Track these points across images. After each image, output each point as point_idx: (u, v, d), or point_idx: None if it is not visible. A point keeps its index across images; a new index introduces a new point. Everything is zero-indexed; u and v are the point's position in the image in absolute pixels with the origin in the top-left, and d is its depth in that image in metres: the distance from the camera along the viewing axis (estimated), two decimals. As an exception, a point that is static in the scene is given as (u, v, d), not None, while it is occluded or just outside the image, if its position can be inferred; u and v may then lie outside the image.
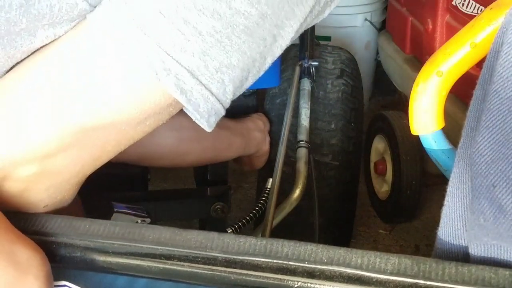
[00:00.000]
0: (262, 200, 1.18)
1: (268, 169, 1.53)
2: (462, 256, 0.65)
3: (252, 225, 1.23)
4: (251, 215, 1.18)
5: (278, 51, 0.62)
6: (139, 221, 1.08)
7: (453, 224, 0.65)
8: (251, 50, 0.59)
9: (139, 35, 0.55)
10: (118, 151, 0.64)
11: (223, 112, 0.62)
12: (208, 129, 0.62)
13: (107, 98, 0.57)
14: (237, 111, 1.60)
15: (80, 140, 0.59)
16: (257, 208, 1.18)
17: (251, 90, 1.58)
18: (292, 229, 1.51)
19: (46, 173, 0.61)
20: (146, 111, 0.59)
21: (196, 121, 0.61)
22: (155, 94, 0.57)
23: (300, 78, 1.53)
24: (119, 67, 0.56)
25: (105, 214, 1.04)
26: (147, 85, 0.57)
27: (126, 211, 1.08)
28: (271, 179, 1.17)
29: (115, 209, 1.07)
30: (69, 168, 0.62)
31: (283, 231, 1.37)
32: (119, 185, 1.42)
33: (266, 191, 1.18)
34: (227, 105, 0.62)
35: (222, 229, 1.33)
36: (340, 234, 1.67)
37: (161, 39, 0.55)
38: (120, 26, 0.55)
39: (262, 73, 0.63)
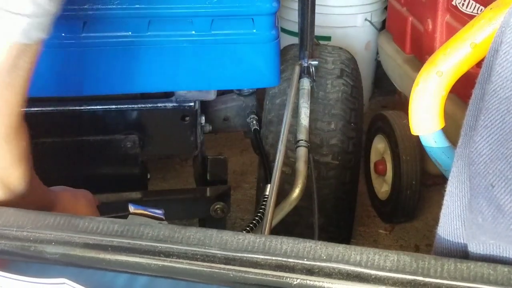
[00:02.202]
0: (262, 208, 1.18)
1: (268, 171, 1.52)
2: (461, 255, 0.65)
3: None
4: (253, 221, 1.17)
5: None
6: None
7: (452, 223, 0.65)
8: None
9: None
10: (22, 94, 0.72)
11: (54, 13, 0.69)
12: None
13: None
14: (236, 111, 1.60)
15: None
16: (258, 215, 1.17)
17: (250, 90, 1.59)
18: (292, 229, 1.51)
19: None
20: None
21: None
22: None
23: (300, 77, 1.53)
24: None
25: (121, 216, 1.04)
26: None
27: (142, 211, 1.07)
28: (269, 185, 1.17)
29: (132, 209, 1.06)
30: None
31: (283, 232, 1.37)
32: (119, 185, 1.42)
33: (266, 197, 1.18)
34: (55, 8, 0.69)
35: (222, 229, 1.33)
36: (340, 234, 1.67)
37: None
38: None
39: None
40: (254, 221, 1.17)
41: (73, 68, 1.30)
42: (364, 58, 2.69)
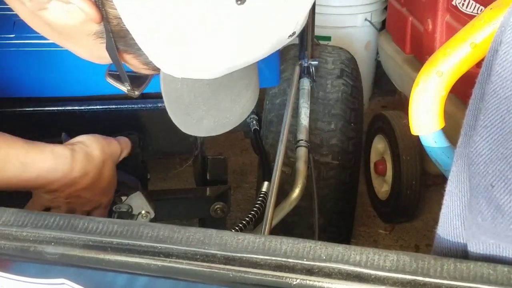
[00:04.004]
0: (258, 203, 1.18)
1: (268, 170, 1.52)
2: (460, 254, 0.65)
3: (252, 226, 1.22)
4: (250, 215, 1.17)
5: None
6: (143, 212, 1.11)
7: (452, 222, 0.65)
8: None
9: None
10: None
11: None
12: None
13: None
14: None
15: None
16: (255, 210, 1.17)
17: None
18: (292, 229, 1.51)
19: None
20: None
21: None
22: None
23: (300, 77, 1.53)
24: None
25: None
26: None
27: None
28: (266, 183, 1.16)
29: None
30: None
31: (283, 232, 1.37)
32: (118, 185, 1.42)
33: (262, 194, 1.18)
34: None
35: (222, 229, 1.33)
36: (340, 234, 1.67)
37: None
38: None
39: None
40: (247, 219, 1.16)
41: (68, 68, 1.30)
42: (364, 58, 2.70)
